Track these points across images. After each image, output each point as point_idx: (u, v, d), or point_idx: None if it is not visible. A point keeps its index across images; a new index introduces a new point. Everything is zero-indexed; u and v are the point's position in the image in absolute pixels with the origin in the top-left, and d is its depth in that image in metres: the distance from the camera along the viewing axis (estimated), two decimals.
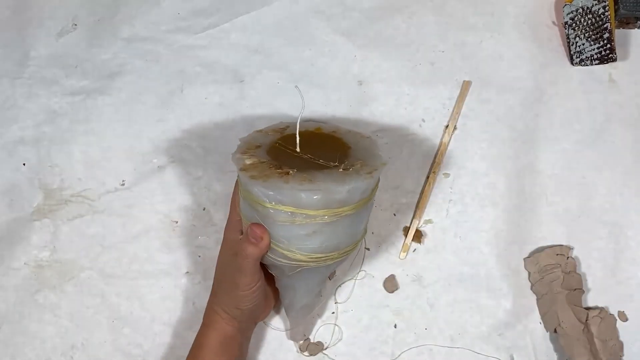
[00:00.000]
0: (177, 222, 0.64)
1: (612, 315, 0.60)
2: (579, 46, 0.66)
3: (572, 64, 0.67)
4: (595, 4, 0.64)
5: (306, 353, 0.60)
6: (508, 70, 0.67)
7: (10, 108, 0.67)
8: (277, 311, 0.61)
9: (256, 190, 0.46)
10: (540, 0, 0.70)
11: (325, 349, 0.60)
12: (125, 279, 0.62)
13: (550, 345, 0.61)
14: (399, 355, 0.60)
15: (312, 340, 0.61)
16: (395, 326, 0.61)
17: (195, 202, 0.64)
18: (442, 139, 0.66)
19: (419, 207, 0.63)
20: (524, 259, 0.62)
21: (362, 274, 0.62)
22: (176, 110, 0.67)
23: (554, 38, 0.69)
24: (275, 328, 0.61)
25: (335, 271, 0.62)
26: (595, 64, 0.67)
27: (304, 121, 0.52)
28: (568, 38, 0.66)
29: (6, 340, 0.61)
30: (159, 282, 0.62)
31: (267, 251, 0.49)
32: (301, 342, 0.60)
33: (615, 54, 0.66)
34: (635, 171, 0.65)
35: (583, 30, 0.65)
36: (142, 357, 0.60)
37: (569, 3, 0.64)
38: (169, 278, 0.62)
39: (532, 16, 0.69)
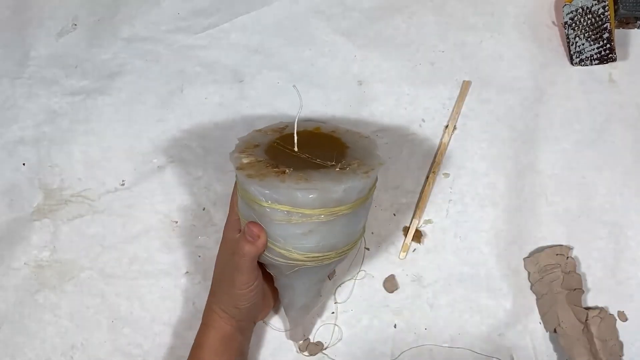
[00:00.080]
0: (177, 222, 0.64)
1: (612, 315, 0.60)
2: (579, 46, 0.66)
3: (572, 64, 0.67)
4: (595, 4, 0.64)
5: (306, 353, 0.60)
6: (508, 70, 0.67)
7: (10, 108, 0.67)
8: (276, 311, 0.61)
9: (253, 189, 0.46)
10: (540, 0, 0.70)
11: (325, 348, 0.60)
12: (125, 279, 0.62)
13: (550, 345, 0.61)
14: (399, 355, 0.60)
15: (311, 340, 0.61)
16: (395, 326, 0.61)
17: (195, 202, 0.64)
18: (442, 139, 0.66)
19: (418, 207, 0.63)
20: (524, 259, 0.62)
21: (362, 274, 0.62)
22: (176, 110, 0.67)
23: (554, 38, 0.69)
24: (275, 328, 0.61)
25: (334, 271, 0.62)
26: (595, 64, 0.67)
27: (304, 121, 0.52)
28: (568, 38, 0.66)
29: (6, 340, 0.61)
30: (159, 282, 0.62)
31: (264, 250, 0.49)
32: (301, 342, 0.60)
33: (615, 54, 0.66)
34: (635, 171, 0.65)
35: (583, 30, 0.65)
36: (142, 357, 0.60)
37: (568, 3, 0.64)
38: (169, 278, 0.62)
39: (532, 16, 0.69)
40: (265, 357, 0.61)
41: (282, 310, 0.60)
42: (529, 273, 0.62)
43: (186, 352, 0.55)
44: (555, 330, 0.60)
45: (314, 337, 0.61)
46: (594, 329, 0.59)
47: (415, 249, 0.63)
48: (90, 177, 0.65)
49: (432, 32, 0.69)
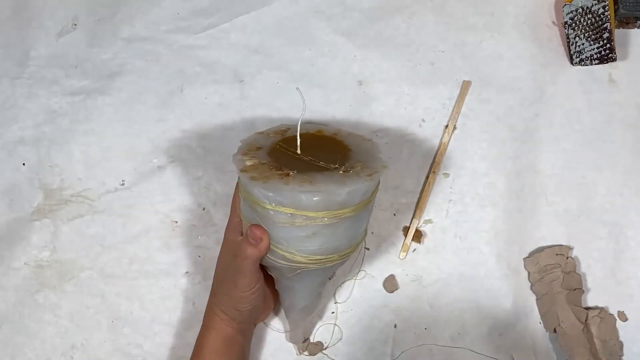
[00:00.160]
0: (177, 222, 0.64)
1: (612, 315, 0.60)
2: (579, 46, 0.66)
3: (572, 64, 0.67)
4: (595, 4, 0.64)
5: (306, 353, 0.60)
6: (508, 70, 0.67)
7: (10, 108, 0.67)
8: (277, 313, 0.61)
9: (256, 191, 0.46)
10: (540, 0, 0.70)
11: (325, 348, 0.60)
12: (125, 279, 0.62)
13: (550, 345, 0.61)
14: (399, 355, 0.60)
15: (311, 340, 0.61)
16: (395, 326, 0.61)
17: (195, 202, 0.64)
18: (442, 139, 0.66)
19: (418, 207, 0.63)
20: (524, 259, 0.62)
21: (362, 274, 0.62)
22: (176, 110, 0.67)
23: (554, 38, 0.69)
24: (275, 329, 0.61)
25: (334, 272, 0.62)
26: (595, 64, 0.67)
27: (305, 123, 0.52)
28: (568, 38, 0.66)
29: (6, 340, 0.61)
30: (159, 282, 0.62)
31: (266, 252, 0.49)
32: (301, 343, 0.60)
33: (615, 53, 0.66)
34: (635, 171, 0.65)
35: (583, 30, 0.65)
36: (142, 357, 0.60)
37: (568, 3, 0.64)
38: (169, 278, 0.62)
39: (532, 16, 0.69)
40: (266, 358, 0.61)
41: (282, 311, 0.60)
42: (529, 273, 0.62)
43: (186, 352, 0.55)
44: (555, 330, 0.60)
45: (314, 337, 0.61)
46: (594, 329, 0.59)
47: (415, 249, 0.63)
48: (90, 177, 0.65)
49: (432, 32, 0.69)
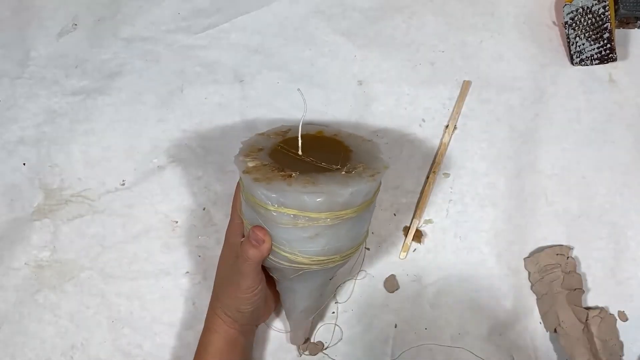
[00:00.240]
0: (177, 222, 0.64)
1: (612, 315, 0.60)
2: (579, 46, 0.66)
3: (572, 64, 0.67)
4: (595, 4, 0.64)
5: (306, 353, 0.60)
6: (508, 70, 0.67)
7: (10, 108, 0.67)
8: (277, 314, 0.61)
9: (259, 192, 0.46)
10: (540, 0, 0.70)
11: (325, 348, 0.60)
12: (125, 279, 0.62)
13: (550, 345, 0.61)
14: (399, 355, 0.60)
15: (312, 340, 0.61)
16: (395, 326, 0.61)
17: (195, 202, 0.64)
18: (442, 139, 0.66)
19: (419, 207, 0.63)
20: (524, 259, 0.62)
21: (362, 273, 0.62)
22: (176, 110, 0.67)
23: (554, 38, 0.69)
24: (276, 329, 0.61)
25: (335, 272, 0.62)
26: (595, 64, 0.67)
27: (306, 124, 0.52)
28: (568, 38, 0.66)
29: (6, 340, 0.61)
30: (159, 282, 0.62)
31: (268, 254, 0.48)
32: (301, 344, 0.60)
33: (615, 53, 0.66)
34: (635, 171, 0.65)
35: (583, 30, 0.65)
36: (142, 357, 0.60)
37: (569, 3, 0.64)
38: (169, 278, 0.62)
39: (532, 16, 0.69)
40: (266, 357, 0.61)
41: (283, 312, 0.60)
42: (529, 273, 0.62)
43: (186, 352, 0.55)
44: (555, 330, 0.60)
45: (314, 337, 0.61)
46: (594, 329, 0.59)
47: (415, 249, 0.63)
48: (90, 177, 0.65)
49: (432, 32, 0.69)
